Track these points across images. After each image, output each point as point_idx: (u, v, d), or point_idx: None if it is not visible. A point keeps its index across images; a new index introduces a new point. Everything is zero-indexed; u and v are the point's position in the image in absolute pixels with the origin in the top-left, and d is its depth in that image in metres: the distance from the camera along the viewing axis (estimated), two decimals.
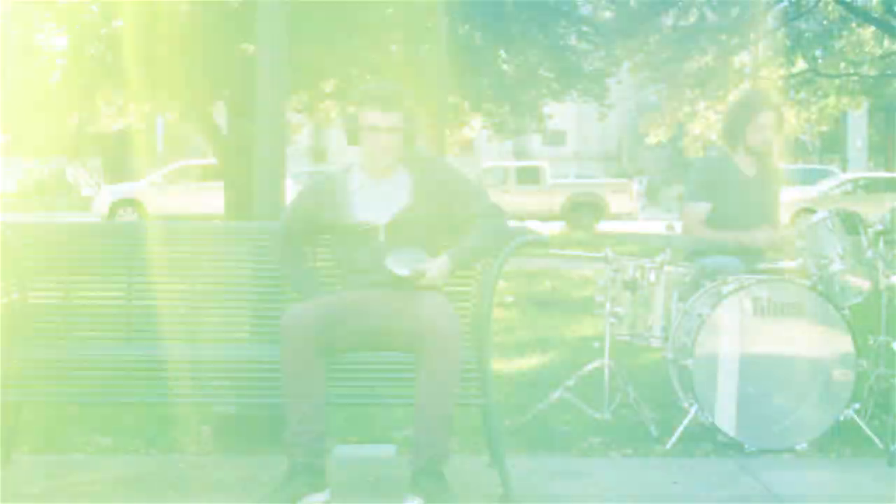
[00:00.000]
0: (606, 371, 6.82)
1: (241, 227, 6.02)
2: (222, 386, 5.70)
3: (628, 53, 30.00)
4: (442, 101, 17.55)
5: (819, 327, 6.44)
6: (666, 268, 6.85)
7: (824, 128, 32.91)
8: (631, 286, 6.83)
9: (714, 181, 7.36)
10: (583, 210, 32.92)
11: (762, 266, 6.90)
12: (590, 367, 6.94)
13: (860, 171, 44.21)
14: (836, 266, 6.55)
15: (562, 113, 45.90)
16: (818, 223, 6.70)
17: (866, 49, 30.09)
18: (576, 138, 55.03)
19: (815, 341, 6.45)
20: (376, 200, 5.67)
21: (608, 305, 6.78)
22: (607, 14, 29.17)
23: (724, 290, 6.46)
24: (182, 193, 32.97)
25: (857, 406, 6.47)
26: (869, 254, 6.55)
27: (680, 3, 27.13)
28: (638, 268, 6.87)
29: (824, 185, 33.81)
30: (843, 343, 6.42)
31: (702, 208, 7.34)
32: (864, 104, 32.70)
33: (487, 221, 5.71)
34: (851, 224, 6.67)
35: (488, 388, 5.48)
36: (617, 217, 34.06)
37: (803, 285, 6.44)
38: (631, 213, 34.60)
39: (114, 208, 33.18)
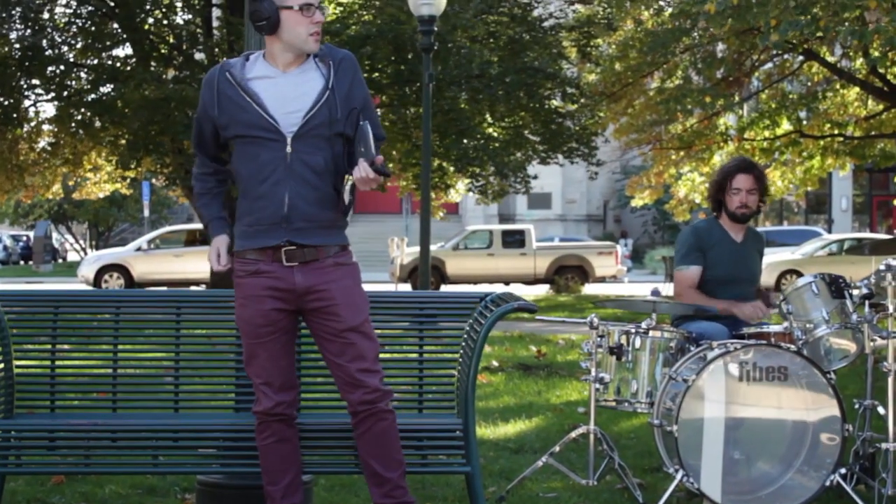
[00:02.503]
0: (592, 437, 6.80)
1: (225, 294, 6.00)
2: (207, 454, 5.70)
3: (613, 116, 30.14)
4: (426, 164, 17.57)
5: (805, 392, 6.43)
6: (651, 333, 6.85)
7: (809, 189, 32.99)
8: (616, 352, 6.82)
9: (703, 246, 7.42)
10: (568, 273, 32.95)
11: (747, 331, 6.90)
12: (575, 433, 6.93)
13: (845, 232, 44.35)
14: (822, 330, 6.56)
15: (547, 176, 46.07)
16: (803, 287, 6.72)
17: (851, 110, 30.23)
18: (561, 201, 55.17)
19: (801, 406, 6.44)
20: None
21: (593, 371, 6.77)
22: (592, 77, 29.32)
23: (709, 355, 6.46)
24: (168, 259, 32.94)
25: (843, 471, 6.45)
26: (854, 317, 6.57)
27: (665, 66, 27.23)
28: (623, 333, 6.87)
29: (809, 247, 33.93)
30: (830, 407, 6.41)
31: (693, 273, 7.39)
32: (850, 165, 32.79)
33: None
34: (836, 288, 6.69)
35: (473, 455, 5.47)
36: (602, 280, 34.11)
37: (789, 350, 6.44)
38: (616, 275, 34.66)
39: (99, 274, 33.08)
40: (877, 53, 26.30)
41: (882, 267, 6.59)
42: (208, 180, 5.38)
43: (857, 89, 28.60)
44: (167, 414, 5.94)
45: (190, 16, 26.31)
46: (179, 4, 26.02)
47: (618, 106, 29.43)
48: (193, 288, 30.37)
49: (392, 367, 6.24)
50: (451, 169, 26.40)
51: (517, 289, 32.91)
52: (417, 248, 34.27)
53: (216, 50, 25.08)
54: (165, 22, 25.75)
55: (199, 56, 25.94)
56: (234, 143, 5.14)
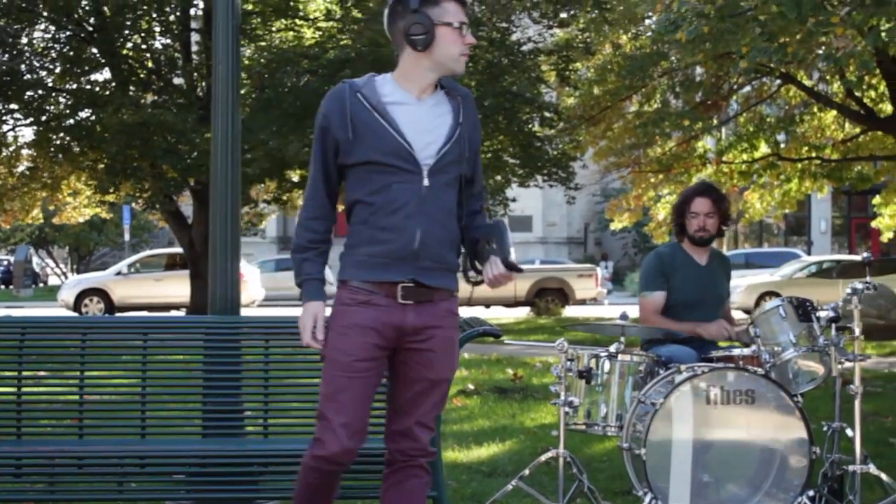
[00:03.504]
0: (561, 460, 6.80)
1: (194, 319, 6.02)
2: (175, 481, 5.70)
3: (592, 139, 30.24)
4: None
5: (773, 414, 6.46)
6: (620, 357, 6.87)
7: (788, 211, 33.10)
8: (585, 375, 6.84)
9: (667, 271, 7.49)
10: (548, 296, 32.97)
11: (716, 354, 6.93)
12: (545, 456, 6.94)
13: (825, 254, 44.49)
14: (789, 353, 6.60)
15: (527, 199, 46.11)
16: (771, 311, 6.77)
17: (828, 133, 30.39)
18: (542, 224, 55.24)
19: (768, 428, 6.47)
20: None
21: (562, 395, 6.79)
22: (571, 100, 29.43)
23: (678, 378, 6.49)
24: (148, 283, 32.91)
25: (811, 493, 6.48)
26: (821, 340, 6.61)
27: (643, 90, 27.33)
28: (592, 357, 6.89)
29: (788, 269, 34.01)
30: (797, 430, 6.44)
31: (657, 298, 7.45)
32: (828, 188, 32.93)
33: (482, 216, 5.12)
34: (804, 311, 6.74)
35: (440, 479, 5.47)
36: (583, 302, 34.14)
37: (756, 373, 6.48)
38: (597, 298, 34.71)
39: (80, 298, 33.03)
40: (853, 77, 26.48)
41: (848, 290, 6.63)
42: (318, 230, 4.85)
43: (834, 112, 28.75)
44: (134, 440, 5.93)
45: (168, 40, 26.32)
46: (158, 29, 26.01)
47: (597, 129, 29.53)
48: (174, 312, 30.36)
49: None
50: None
51: (498, 311, 32.99)
52: None
53: (195, 74, 25.12)
54: (144, 46, 25.75)
55: (177, 81, 25.96)
56: (353, 171, 4.76)
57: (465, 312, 5.69)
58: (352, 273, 4.78)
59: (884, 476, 6.66)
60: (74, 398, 6.04)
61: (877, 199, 33.04)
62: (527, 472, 6.92)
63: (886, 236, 33.95)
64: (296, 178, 26.98)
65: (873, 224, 35.08)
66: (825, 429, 7.00)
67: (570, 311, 33.05)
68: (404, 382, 4.91)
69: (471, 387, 13.03)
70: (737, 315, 8.94)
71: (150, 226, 52.69)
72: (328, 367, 4.81)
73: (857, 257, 37.91)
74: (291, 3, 25.72)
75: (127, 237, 44.92)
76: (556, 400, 6.84)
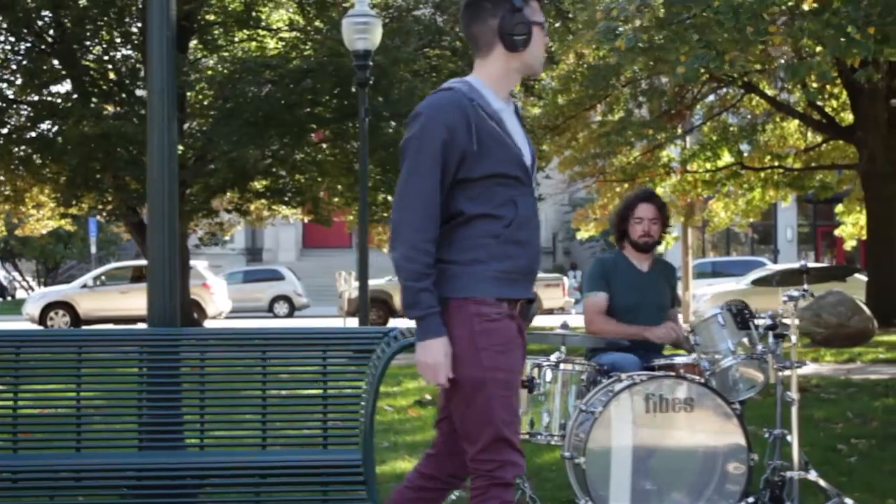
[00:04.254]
0: None
1: (130, 332, 6.00)
2: (110, 495, 5.68)
3: (557, 149, 30.30)
4: (363, 198, 17.59)
5: (711, 422, 6.47)
6: (562, 366, 6.87)
7: (752, 220, 33.24)
8: (528, 385, 6.83)
9: (607, 276, 7.51)
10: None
11: (658, 362, 6.95)
12: None
13: (791, 262, 44.60)
14: (728, 361, 6.63)
15: None
16: (710, 319, 6.79)
17: (791, 142, 30.55)
18: None
19: (708, 436, 6.49)
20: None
21: None
22: (536, 110, 29.49)
23: (617, 386, 6.50)
24: (114, 296, 32.77)
25: (751, 500, 6.49)
26: (759, 348, 6.63)
27: (606, 99, 27.43)
28: (535, 366, 6.89)
29: (754, 277, 34.08)
30: (736, 437, 6.45)
31: (600, 298, 7.47)
32: (791, 196, 33.10)
33: None
34: (742, 319, 6.76)
35: (373, 489, 5.47)
36: (551, 312, 34.17)
37: (694, 380, 6.49)
38: (564, 307, 34.75)
39: (45, 311, 32.89)
40: (813, 85, 26.59)
41: (785, 298, 6.66)
42: (433, 253, 4.38)
43: (797, 122, 28.92)
44: (69, 454, 5.90)
45: (130, 51, 26.28)
46: (119, 40, 25.97)
47: (561, 139, 29.59)
48: (140, 325, 30.24)
49: (296, 403, 6.24)
50: None
51: None
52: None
53: None
54: (106, 57, 25.68)
55: (140, 92, 25.92)
56: (474, 185, 4.41)
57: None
58: (486, 289, 4.43)
59: (822, 482, 6.68)
60: (8, 412, 6.00)
61: (839, 208, 33.23)
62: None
63: (850, 244, 34.16)
64: (259, 188, 26.94)
65: (836, 232, 35.29)
66: (767, 435, 7.03)
67: (537, 321, 33.04)
68: None
69: (428, 397, 13.03)
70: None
71: (116, 238, 52.47)
72: (495, 389, 4.43)
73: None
74: (253, 14, 25.69)
75: (94, 250, 44.76)
76: None
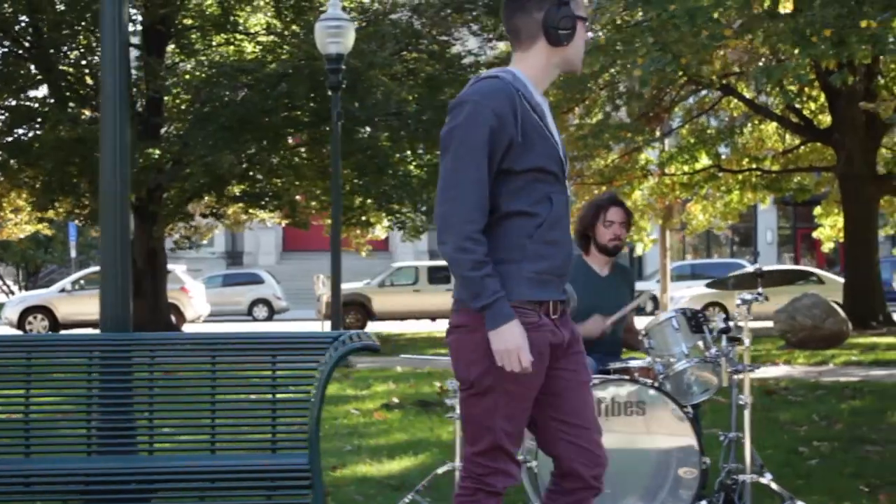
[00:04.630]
0: (457, 474, 6.81)
1: (80, 337, 5.99)
2: (59, 500, 5.67)
3: None
4: (337, 202, 17.59)
5: (664, 425, 6.49)
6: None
7: (730, 222, 33.32)
8: None
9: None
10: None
11: (613, 365, 6.95)
12: (441, 469, 6.95)
13: (771, 264, 44.78)
14: (682, 364, 6.63)
15: None
16: (664, 322, 6.80)
17: (769, 144, 30.63)
18: None
19: (660, 439, 6.50)
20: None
21: (457, 409, 6.79)
22: None
23: None
24: (93, 300, 32.59)
25: (704, 503, 6.52)
26: (712, 351, 6.64)
27: (584, 102, 27.45)
28: None
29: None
30: (688, 440, 6.47)
31: None
32: (770, 199, 33.20)
33: None
34: (696, 322, 6.77)
35: (318, 494, 5.47)
36: None
37: (646, 384, 6.50)
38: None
39: (24, 315, 32.81)
40: (792, 89, 26.65)
41: (738, 301, 6.68)
42: (484, 241, 4.25)
43: (775, 124, 28.99)
44: (18, 459, 5.90)
45: None
46: (96, 44, 25.92)
47: None
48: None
49: (246, 407, 6.25)
50: (373, 206, 26.46)
51: (443, 324, 32.94)
52: (342, 286, 34.37)
53: (134, 90, 25.05)
54: (84, 62, 25.64)
55: None
56: (515, 178, 4.30)
57: (420, 325, 5.71)
58: (521, 291, 4.31)
59: (774, 486, 6.70)
60: None
61: (817, 210, 33.32)
62: (422, 485, 6.94)
63: (827, 246, 34.24)
64: (236, 192, 26.91)
65: (814, 234, 35.37)
66: (722, 438, 7.05)
67: None
68: (567, 396, 4.53)
69: (395, 400, 13.04)
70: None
71: (96, 242, 52.34)
72: (505, 399, 4.35)
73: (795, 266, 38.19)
74: (231, 18, 25.69)
75: (73, 254, 44.65)
76: (451, 413, 6.85)
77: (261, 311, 41.15)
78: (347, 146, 23.86)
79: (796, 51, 15.86)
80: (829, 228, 32.69)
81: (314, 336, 6.18)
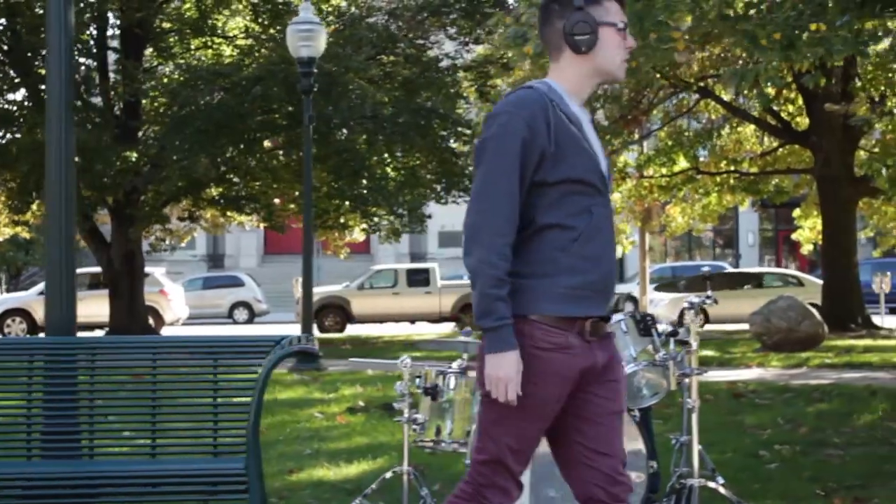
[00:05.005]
0: (405, 478, 6.79)
1: (25, 341, 5.96)
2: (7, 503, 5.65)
3: None
4: (308, 204, 17.57)
5: None
6: (469, 373, 6.85)
7: (710, 225, 33.38)
8: (431, 392, 6.81)
9: None
10: (468, 311, 32.95)
11: None
12: (388, 473, 6.93)
13: (753, 266, 44.91)
14: (630, 367, 6.60)
15: (458, 215, 46.09)
16: (613, 326, 6.76)
17: (748, 147, 30.68)
18: None
19: None
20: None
21: (406, 412, 6.77)
22: None
23: None
24: None
25: None
26: (660, 355, 6.63)
27: None
28: (439, 374, 6.86)
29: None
30: (635, 444, 6.45)
31: None
32: (748, 201, 33.28)
33: None
34: (645, 326, 6.75)
35: (258, 497, 5.44)
36: None
37: None
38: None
39: (3, 318, 32.75)
40: (770, 91, 26.59)
41: (685, 304, 6.66)
42: (510, 257, 4.13)
43: (753, 126, 29.03)
44: None
45: (87, 59, 26.23)
46: (77, 48, 25.89)
47: None
48: (97, 332, 30.10)
49: (187, 411, 6.22)
50: (348, 209, 26.45)
51: (422, 327, 33.00)
52: (323, 289, 34.39)
53: (112, 93, 25.06)
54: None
55: (95, 99, 25.91)
56: (549, 191, 4.17)
57: (400, 328, 5.68)
58: (550, 307, 4.18)
59: (723, 490, 6.68)
60: None
61: (796, 212, 33.36)
62: (370, 489, 6.92)
63: (807, 248, 34.29)
64: (213, 195, 26.88)
65: (794, 236, 35.42)
66: (673, 442, 7.03)
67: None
68: (588, 422, 4.33)
69: (361, 404, 13.01)
70: None
71: (79, 244, 52.24)
72: (517, 415, 4.21)
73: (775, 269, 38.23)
74: (209, 22, 25.69)
75: None
76: (399, 417, 6.83)
77: (241, 314, 41.11)
78: (323, 149, 23.85)
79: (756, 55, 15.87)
80: (809, 230, 32.74)
81: (256, 340, 6.16)
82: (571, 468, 4.41)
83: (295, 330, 29.86)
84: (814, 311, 21.53)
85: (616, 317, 6.84)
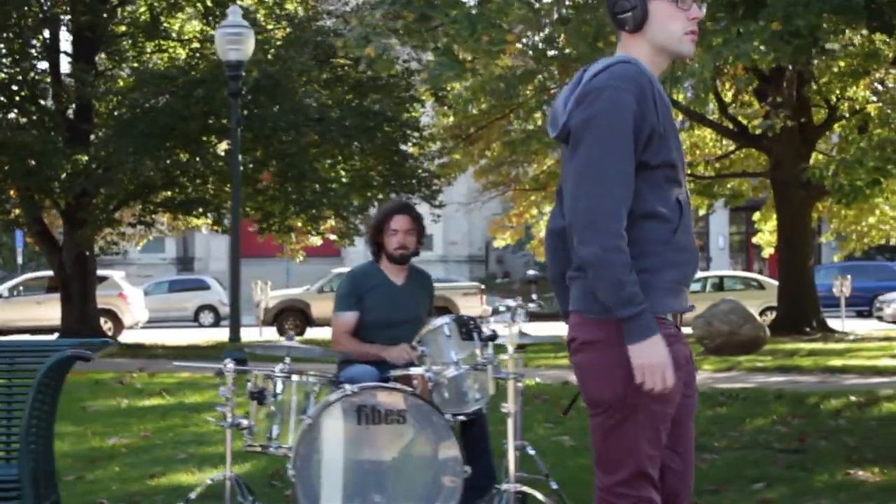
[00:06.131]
0: (227, 483, 6.77)
1: None
2: None
3: (474, 158, 30.35)
4: (236, 208, 17.52)
5: (426, 434, 6.43)
6: (294, 377, 6.81)
7: None
8: (257, 396, 6.78)
9: (361, 291, 7.42)
10: (435, 314, 32.89)
11: (393, 374, 6.88)
12: (211, 479, 6.90)
13: (724, 269, 44.89)
14: (452, 371, 6.58)
15: (428, 217, 46.09)
16: (436, 329, 6.75)
17: (707, 150, 30.70)
18: (443, 242, 55.07)
19: (424, 448, 6.44)
20: None
21: (229, 416, 6.74)
22: (448, 120, 29.55)
23: (331, 398, 6.44)
24: (30, 306, 32.54)
25: None
26: (479, 359, 6.59)
27: (521, 109, 27.44)
28: (266, 378, 6.82)
29: None
30: (450, 449, 6.40)
31: (348, 318, 7.39)
32: (715, 204, 33.31)
33: None
34: (467, 330, 6.72)
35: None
36: None
37: (406, 392, 6.44)
38: (483, 315, 34.71)
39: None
40: (729, 95, 26.68)
41: (502, 308, 6.62)
42: (627, 238, 3.86)
43: (710, 130, 29.07)
44: None
45: (45, 64, 26.27)
46: (35, 51, 25.91)
47: (475, 148, 29.61)
48: (57, 335, 30.02)
49: None
50: (293, 212, 26.39)
51: None
52: (282, 292, 34.36)
53: (64, 96, 25.06)
54: (17, 68, 25.50)
55: (46, 102, 25.92)
56: (650, 175, 3.90)
57: None
58: (665, 302, 3.95)
59: (538, 495, 6.64)
60: None
61: (756, 216, 33.39)
62: (193, 495, 6.89)
63: (767, 252, 34.29)
64: (164, 198, 26.81)
65: (754, 240, 35.45)
66: (504, 447, 7.00)
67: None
68: (681, 421, 4.08)
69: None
70: None
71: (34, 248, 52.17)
72: (646, 419, 3.93)
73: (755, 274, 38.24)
74: (164, 25, 25.71)
75: (20, 259, 44.50)
76: (221, 422, 6.80)
77: (207, 317, 41.06)
78: (269, 152, 23.84)
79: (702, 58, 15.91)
80: (769, 234, 32.74)
81: (42, 345, 6.11)
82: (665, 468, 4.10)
83: (254, 333, 29.87)
84: (755, 314, 21.54)
85: (440, 320, 6.83)
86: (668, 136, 3.88)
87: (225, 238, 51.64)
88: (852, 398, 12.86)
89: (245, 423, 6.78)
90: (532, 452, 7.31)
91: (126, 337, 30.64)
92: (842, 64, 23.01)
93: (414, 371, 6.79)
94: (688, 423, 4.10)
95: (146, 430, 11.32)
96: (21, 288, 33.98)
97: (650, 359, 3.79)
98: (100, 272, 31.66)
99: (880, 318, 32.33)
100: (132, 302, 33.18)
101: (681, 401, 3.98)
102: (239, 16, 17.76)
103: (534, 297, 7.03)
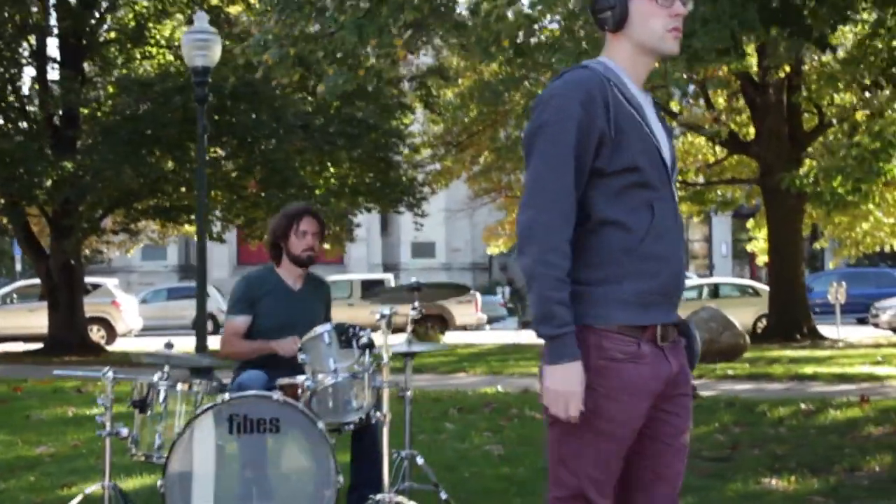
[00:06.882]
0: (106, 493, 6.70)
1: None
2: None
3: (466, 165, 30.34)
4: (201, 215, 17.50)
5: (301, 443, 6.35)
6: (179, 385, 6.73)
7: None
8: (139, 405, 6.71)
9: (255, 296, 7.35)
10: (429, 322, 32.80)
11: (280, 381, 6.80)
12: (89, 489, 6.84)
13: (727, 276, 44.75)
14: (330, 380, 6.49)
15: (430, 224, 46.09)
16: (317, 337, 6.66)
17: (700, 157, 30.65)
18: (445, 249, 55.03)
19: (298, 458, 6.37)
20: None
21: (108, 425, 6.67)
22: (438, 127, 29.53)
23: (204, 407, 6.36)
24: (23, 314, 32.50)
25: None
26: (356, 367, 6.51)
27: (512, 117, 27.44)
28: (148, 386, 6.75)
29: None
30: (325, 459, 6.31)
31: (240, 322, 7.34)
32: (710, 211, 33.20)
33: None
34: (346, 337, 6.65)
35: None
36: (464, 328, 34.11)
37: (279, 401, 6.35)
38: (477, 323, 34.68)
39: None
40: (721, 101, 26.60)
41: (377, 315, 6.53)
42: (569, 255, 3.72)
43: (703, 137, 29.01)
44: None
45: (32, 70, 26.37)
46: (25, 60, 25.99)
47: (465, 155, 29.60)
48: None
49: None
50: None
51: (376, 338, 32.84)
52: None
53: (50, 103, 25.11)
54: (7, 76, 25.57)
55: (31, 108, 25.99)
56: (608, 182, 3.78)
57: None
58: (617, 315, 3.77)
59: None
60: None
61: (750, 223, 33.27)
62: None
63: (762, 259, 34.15)
64: (147, 205, 26.82)
65: (748, 248, 35.31)
66: (395, 456, 6.93)
67: (450, 337, 32.92)
68: (665, 443, 3.93)
69: None
70: None
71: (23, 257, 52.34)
72: (592, 438, 3.77)
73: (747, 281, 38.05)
74: (152, 32, 25.77)
75: (18, 267, 44.60)
76: (100, 431, 6.73)
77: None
78: (251, 159, 23.83)
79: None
80: (763, 241, 32.61)
81: None
82: (635, 491, 3.95)
83: None
84: (735, 322, 21.41)
85: (321, 327, 6.73)
86: (624, 141, 3.74)
87: (227, 246, 51.84)
88: (802, 406, 12.73)
89: (125, 432, 6.71)
90: (420, 462, 7.23)
91: (118, 345, 30.63)
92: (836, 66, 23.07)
93: (299, 379, 6.71)
94: (675, 445, 3.92)
95: (77, 440, 11.24)
96: (14, 296, 33.97)
97: (556, 385, 3.67)
98: (93, 280, 31.73)
99: (876, 325, 32.14)
100: (125, 310, 33.13)
101: (662, 417, 3.84)
102: (205, 22, 17.75)
103: (416, 303, 6.95)
